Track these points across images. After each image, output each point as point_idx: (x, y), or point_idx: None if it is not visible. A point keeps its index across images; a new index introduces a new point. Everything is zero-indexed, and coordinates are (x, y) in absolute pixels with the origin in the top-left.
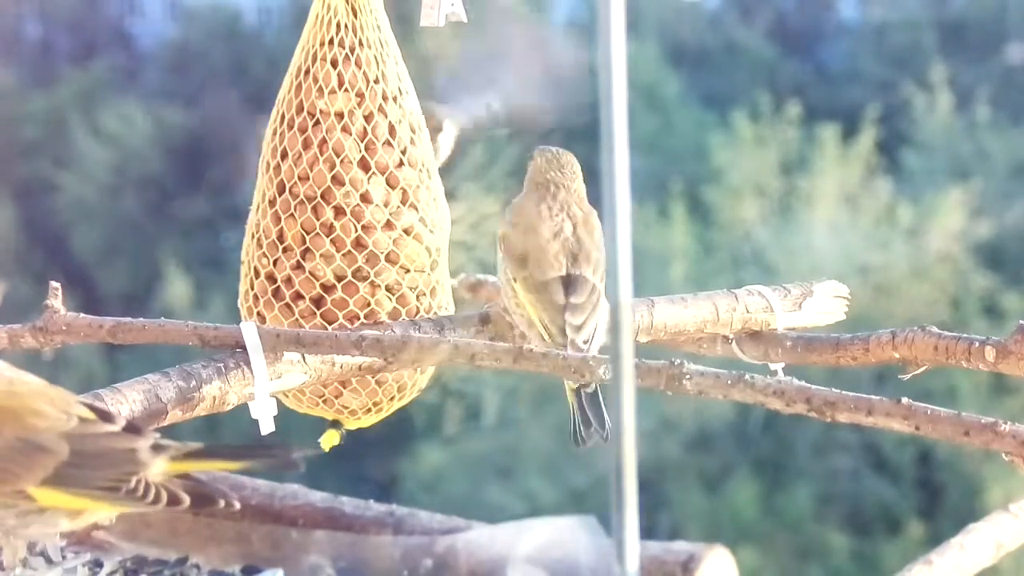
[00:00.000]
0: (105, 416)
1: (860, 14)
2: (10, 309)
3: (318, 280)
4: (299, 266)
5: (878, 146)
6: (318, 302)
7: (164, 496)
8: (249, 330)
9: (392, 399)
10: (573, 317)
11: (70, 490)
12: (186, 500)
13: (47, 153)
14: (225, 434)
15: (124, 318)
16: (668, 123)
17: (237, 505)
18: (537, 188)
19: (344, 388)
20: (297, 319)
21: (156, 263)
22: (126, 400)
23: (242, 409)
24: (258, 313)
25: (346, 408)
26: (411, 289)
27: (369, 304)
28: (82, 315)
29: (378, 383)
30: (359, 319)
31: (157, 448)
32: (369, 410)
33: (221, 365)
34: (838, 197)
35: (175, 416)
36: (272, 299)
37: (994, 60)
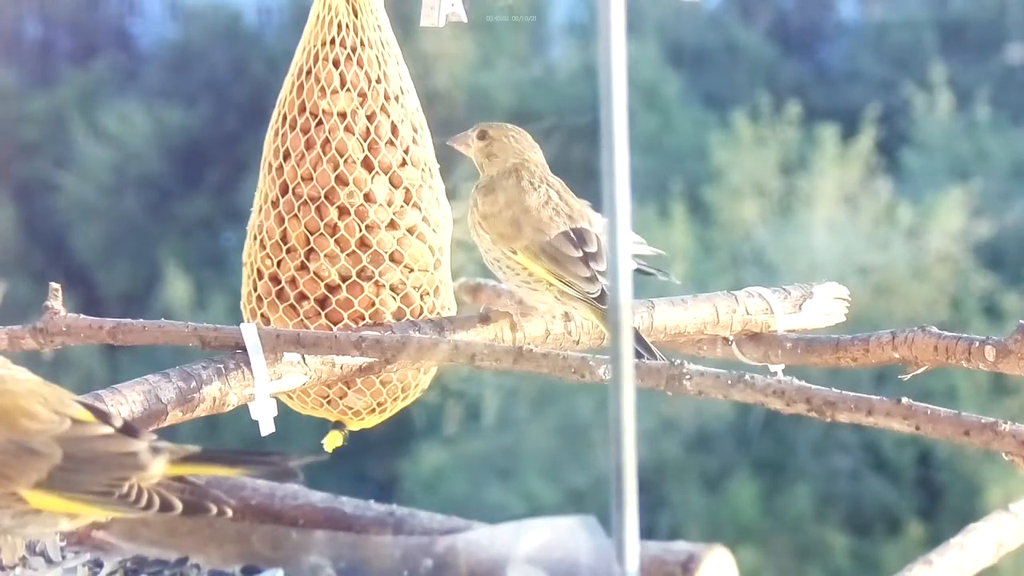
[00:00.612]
0: (102, 416)
1: (860, 14)
2: (10, 309)
3: (322, 280)
4: (303, 267)
5: (878, 146)
6: (323, 302)
7: (157, 501)
8: (249, 331)
9: (396, 399)
10: (597, 264)
11: (63, 494)
12: (179, 506)
13: (47, 153)
14: (225, 435)
15: (124, 319)
16: (668, 123)
17: (230, 512)
18: (513, 168)
19: (349, 389)
20: (302, 320)
21: (156, 263)
22: (126, 401)
23: (242, 410)
24: (262, 315)
25: (350, 409)
26: (415, 288)
27: (374, 304)
28: (82, 316)
29: (382, 383)
30: (364, 319)
31: (154, 450)
32: (373, 411)
33: (221, 366)
34: (838, 197)
35: (175, 417)
36: (276, 300)
37: (994, 60)
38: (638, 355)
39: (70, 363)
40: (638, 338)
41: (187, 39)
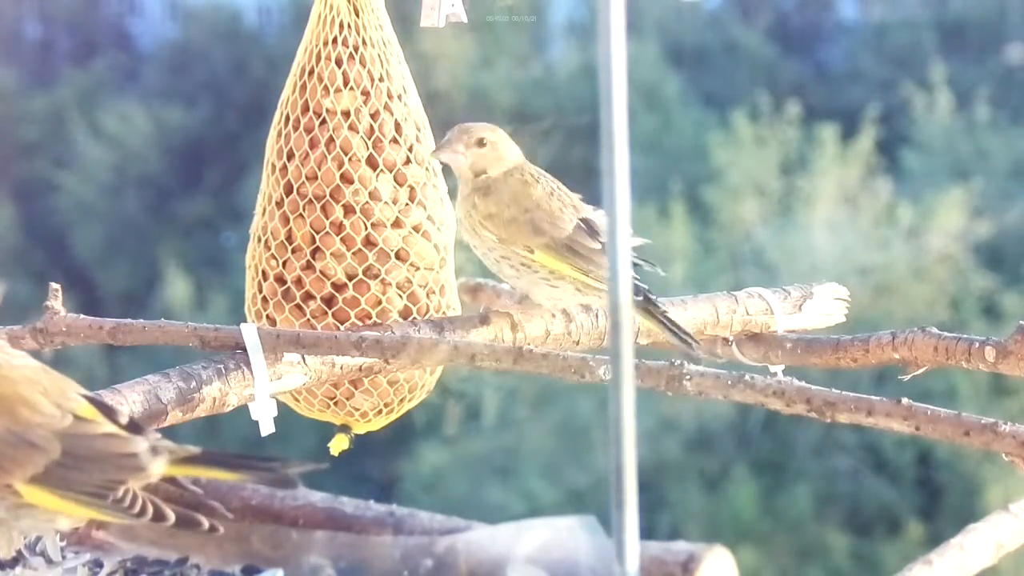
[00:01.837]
0: (106, 411)
1: (860, 14)
2: (10, 309)
3: (329, 279)
4: (309, 266)
5: (878, 146)
6: (329, 302)
7: (150, 510)
8: (249, 331)
9: (403, 400)
10: None
11: (57, 492)
12: (171, 517)
13: (47, 153)
14: (225, 435)
15: (124, 319)
16: (668, 123)
17: (221, 529)
18: (515, 167)
19: (356, 389)
20: (308, 319)
21: (156, 263)
22: (126, 401)
23: (242, 410)
24: (267, 316)
25: (357, 410)
26: (421, 287)
27: (380, 302)
28: (82, 316)
29: (390, 383)
30: (371, 318)
31: (155, 450)
32: (380, 412)
33: (221, 366)
34: (838, 197)
35: (175, 417)
36: (282, 301)
37: (994, 60)
38: (685, 343)
39: (70, 363)
40: (677, 326)
41: (187, 39)
